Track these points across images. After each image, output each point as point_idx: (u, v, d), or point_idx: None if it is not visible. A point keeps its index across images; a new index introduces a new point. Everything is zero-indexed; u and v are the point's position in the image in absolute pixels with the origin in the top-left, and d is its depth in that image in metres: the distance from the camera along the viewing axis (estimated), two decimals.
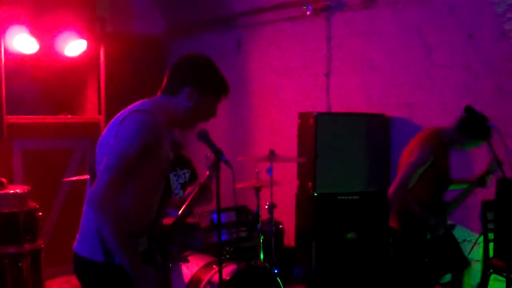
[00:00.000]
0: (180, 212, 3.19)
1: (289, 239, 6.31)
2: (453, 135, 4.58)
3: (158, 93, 2.93)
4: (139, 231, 2.78)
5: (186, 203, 3.17)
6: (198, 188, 3.19)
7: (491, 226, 5.01)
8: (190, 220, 5.09)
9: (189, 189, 4.53)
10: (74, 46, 6.65)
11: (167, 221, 3.26)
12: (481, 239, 5.09)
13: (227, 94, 3.04)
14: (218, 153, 3.01)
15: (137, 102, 2.84)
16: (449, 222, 4.71)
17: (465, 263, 4.74)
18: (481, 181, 4.69)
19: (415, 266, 4.56)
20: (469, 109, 4.51)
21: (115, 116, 2.80)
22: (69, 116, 6.97)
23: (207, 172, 3.22)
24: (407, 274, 4.63)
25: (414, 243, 4.56)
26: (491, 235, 4.99)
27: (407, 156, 4.58)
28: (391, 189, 4.45)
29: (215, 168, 3.01)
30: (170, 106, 2.87)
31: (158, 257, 2.89)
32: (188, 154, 5.42)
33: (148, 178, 2.76)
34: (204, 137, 3.05)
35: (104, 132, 2.80)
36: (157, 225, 2.92)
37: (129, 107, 2.81)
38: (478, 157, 5.25)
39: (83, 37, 6.67)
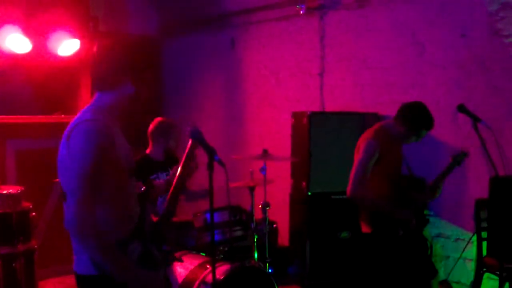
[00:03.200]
0: (171, 189, 3.12)
1: (283, 239, 6.31)
2: (394, 127, 4.56)
3: (96, 92, 2.88)
4: (129, 236, 2.76)
5: (175, 180, 3.11)
6: (184, 159, 3.12)
7: (484, 224, 5.02)
8: (183, 218, 5.09)
9: (173, 169, 4.44)
10: (67, 46, 6.63)
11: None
12: (475, 238, 5.10)
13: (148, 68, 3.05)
14: (211, 152, 3.00)
15: (79, 113, 2.79)
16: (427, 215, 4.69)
17: (433, 272, 4.72)
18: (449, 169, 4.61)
19: (389, 268, 4.52)
20: (462, 108, 4.52)
21: (64, 133, 2.74)
22: (62, 115, 6.95)
23: (190, 141, 3.15)
24: (382, 277, 4.59)
25: (387, 243, 4.52)
26: (484, 234, 5.00)
27: (356, 153, 4.56)
28: (348, 189, 4.42)
29: (209, 167, 3.00)
30: (110, 103, 2.83)
31: (156, 254, 2.85)
32: (180, 155, 5.42)
33: (114, 181, 2.72)
34: (197, 136, 3.04)
35: (59, 150, 2.74)
36: (145, 223, 2.88)
37: (72, 120, 2.76)
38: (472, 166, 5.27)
39: (76, 37, 6.65)
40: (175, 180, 3.06)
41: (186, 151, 3.10)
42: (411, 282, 4.56)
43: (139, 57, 2.89)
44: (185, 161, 3.08)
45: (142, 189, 2.98)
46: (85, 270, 2.72)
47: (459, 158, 4.50)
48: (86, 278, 2.73)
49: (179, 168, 3.08)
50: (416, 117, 4.49)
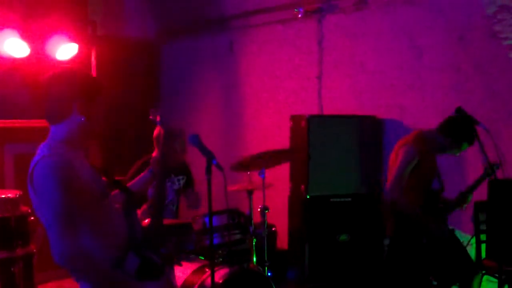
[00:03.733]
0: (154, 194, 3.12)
1: (282, 242, 6.31)
2: (437, 136, 4.61)
3: (50, 127, 2.87)
4: (121, 252, 2.77)
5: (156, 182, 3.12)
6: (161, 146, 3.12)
7: (483, 227, 5.02)
8: (182, 221, 5.08)
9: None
10: (65, 50, 6.62)
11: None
12: (474, 240, 5.10)
13: (102, 92, 2.94)
14: (209, 157, 3.01)
15: (38, 149, 2.80)
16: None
17: (474, 269, 4.72)
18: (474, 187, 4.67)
19: (410, 273, 4.54)
20: (460, 111, 4.52)
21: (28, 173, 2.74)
22: None
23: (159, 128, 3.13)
24: (403, 282, 4.61)
25: (408, 248, 4.54)
26: (483, 236, 5.00)
27: (394, 158, 4.61)
28: (387, 192, 4.47)
29: (207, 171, 3.00)
30: (65, 134, 2.81)
31: (155, 260, 2.84)
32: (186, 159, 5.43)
33: (88, 209, 2.72)
34: (196, 141, 3.05)
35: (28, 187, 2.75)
36: (135, 232, 2.89)
37: (32, 159, 2.76)
38: (469, 164, 5.27)
39: (74, 41, 6.64)
40: (157, 179, 3.07)
41: (161, 138, 3.09)
42: (450, 283, 4.62)
43: (83, 83, 2.85)
44: (162, 147, 3.07)
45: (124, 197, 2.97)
46: None
47: (489, 171, 4.51)
48: None
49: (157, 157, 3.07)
50: (464, 130, 4.56)
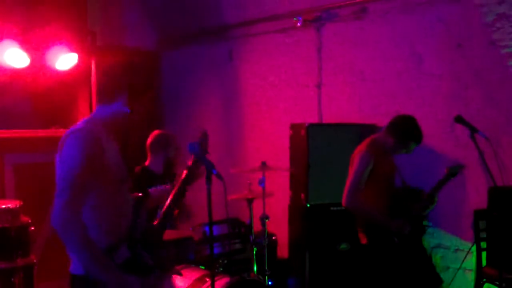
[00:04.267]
0: (171, 195, 3.15)
1: (282, 251, 6.30)
2: (386, 139, 4.67)
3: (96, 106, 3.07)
4: (117, 241, 2.83)
5: (176, 187, 3.15)
6: (186, 172, 3.17)
7: (483, 235, 5.02)
8: (183, 233, 5.08)
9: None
10: (65, 60, 6.64)
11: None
12: (474, 248, 5.10)
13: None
14: (209, 166, 3.02)
15: (76, 124, 2.97)
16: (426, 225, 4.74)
17: (438, 281, 4.73)
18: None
19: (390, 278, 4.56)
20: (459, 119, 4.53)
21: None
22: (60, 129, 6.94)
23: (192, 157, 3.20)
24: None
25: (384, 252, 4.57)
26: (483, 244, 5.00)
27: (350, 166, 4.71)
28: (343, 199, 4.56)
29: (207, 181, 3.01)
30: (107, 116, 3.00)
31: (146, 260, 2.91)
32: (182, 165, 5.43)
33: (105, 188, 2.84)
34: (196, 150, 3.06)
35: (55, 158, 2.88)
36: (137, 230, 2.94)
37: (67, 130, 2.92)
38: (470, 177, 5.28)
39: (74, 51, 6.66)
40: (176, 186, 3.12)
41: (191, 161, 3.15)
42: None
43: (137, 81, 3.07)
44: (189, 169, 3.13)
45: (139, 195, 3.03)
46: (74, 269, 2.81)
47: (454, 170, 4.58)
48: (74, 277, 2.83)
49: (181, 178, 3.12)
50: (405, 129, 4.65)
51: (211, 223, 3.06)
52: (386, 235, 4.53)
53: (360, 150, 4.69)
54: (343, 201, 4.57)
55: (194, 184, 3.26)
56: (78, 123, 2.95)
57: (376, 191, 4.61)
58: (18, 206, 5.34)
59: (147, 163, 5.33)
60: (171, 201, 3.08)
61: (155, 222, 3.06)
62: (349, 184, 4.57)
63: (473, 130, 4.49)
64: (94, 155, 2.77)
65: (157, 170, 5.27)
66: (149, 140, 5.37)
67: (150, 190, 3.46)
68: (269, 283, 5.04)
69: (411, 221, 4.58)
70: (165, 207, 3.09)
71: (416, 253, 4.70)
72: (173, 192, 3.11)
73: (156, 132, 5.40)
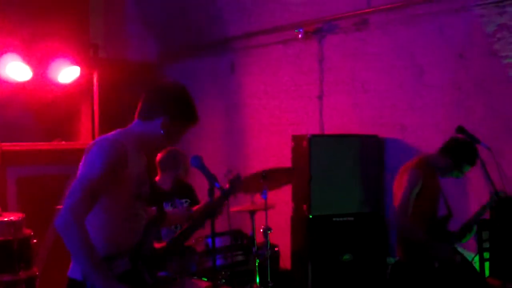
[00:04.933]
0: (180, 231, 3.19)
1: (285, 262, 6.29)
2: (438, 159, 4.63)
3: (135, 118, 3.07)
4: (118, 252, 2.83)
5: (189, 224, 3.18)
6: (204, 209, 3.20)
7: (486, 245, 5.01)
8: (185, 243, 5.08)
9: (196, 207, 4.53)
10: (67, 73, 6.67)
11: (158, 245, 3.25)
12: (477, 258, 5.09)
13: (195, 123, 3.19)
14: (212, 179, 3.03)
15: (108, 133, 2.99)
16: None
17: None
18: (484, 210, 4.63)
19: None
20: (461, 129, 4.54)
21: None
22: (63, 142, 6.97)
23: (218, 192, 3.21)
24: None
25: (419, 273, 4.53)
26: (486, 254, 4.99)
27: (398, 183, 4.62)
28: (395, 218, 4.51)
29: (209, 194, 3.02)
30: (142, 132, 3.01)
31: (146, 277, 2.92)
32: (192, 182, 5.44)
33: (118, 199, 2.85)
34: (198, 163, 3.07)
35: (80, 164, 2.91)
36: (144, 247, 2.95)
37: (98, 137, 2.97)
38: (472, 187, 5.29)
39: (76, 64, 6.69)
40: (196, 216, 3.15)
41: (216, 197, 3.16)
42: None
43: (180, 104, 3.09)
44: (212, 205, 3.14)
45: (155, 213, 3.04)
46: (72, 273, 2.83)
47: (491, 202, 4.54)
48: (71, 281, 2.84)
49: (202, 211, 3.16)
50: (464, 152, 4.59)
51: (213, 235, 3.06)
52: (427, 256, 4.49)
53: (409, 167, 4.61)
54: (396, 222, 4.52)
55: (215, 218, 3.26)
56: (111, 133, 2.98)
57: (418, 212, 4.54)
58: (20, 218, 5.34)
59: (157, 178, 5.34)
60: (186, 231, 3.12)
61: (164, 245, 3.08)
62: (400, 203, 4.48)
63: (475, 141, 4.50)
64: (115, 166, 2.78)
65: (165, 187, 5.28)
66: (159, 157, 5.36)
67: (168, 210, 3.47)
68: None
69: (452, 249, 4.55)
70: (176, 234, 3.12)
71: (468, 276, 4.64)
72: (190, 223, 3.14)
73: (167, 149, 5.37)
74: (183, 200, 5.23)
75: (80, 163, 2.87)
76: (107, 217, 2.83)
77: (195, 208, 3.82)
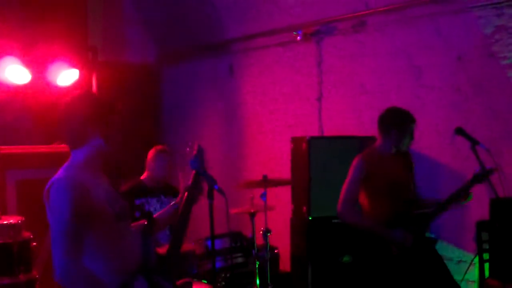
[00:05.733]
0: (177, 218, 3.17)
1: (285, 264, 6.29)
2: (385, 140, 4.62)
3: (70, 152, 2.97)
4: (129, 277, 2.81)
5: (181, 208, 3.16)
6: (186, 194, 3.17)
7: (486, 246, 5.01)
8: (184, 246, 5.08)
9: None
10: (66, 76, 6.66)
11: (161, 250, 3.25)
12: (476, 259, 5.09)
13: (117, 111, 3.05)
14: (211, 182, 3.03)
15: (58, 171, 2.90)
16: (431, 236, 4.67)
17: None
18: (465, 190, 4.49)
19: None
20: (460, 131, 4.54)
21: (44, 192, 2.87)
22: (62, 145, 6.95)
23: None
24: None
25: (382, 263, 4.52)
26: (486, 256, 4.98)
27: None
28: (337, 208, 4.53)
29: (209, 196, 3.02)
30: (82, 158, 2.90)
31: (167, 286, 2.93)
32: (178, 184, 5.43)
33: (101, 230, 2.80)
34: (197, 165, 3.07)
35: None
36: (150, 259, 2.93)
37: (50, 179, 2.86)
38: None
39: (75, 67, 6.68)
40: (180, 208, 3.11)
41: (191, 180, 3.14)
42: None
43: (97, 106, 2.93)
44: (189, 190, 3.12)
45: (145, 223, 3.02)
46: None
47: (480, 174, 4.40)
48: None
49: (183, 197, 3.12)
50: (397, 116, 4.60)
51: (213, 237, 3.07)
52: (383, 245, 4.46)
53: (355, 159, 4.65)
54: (337, 212, 4.54)
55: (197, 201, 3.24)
56: (59, 171, 2.89)
57: (379, 199, 4.54)
58: (20, 221, 5.34)
59: (143, 177, 5.36)
60: (179, 224, 3.09)
61: (167, 248, 3.07)
62: (342, 193, 4.54)
63: (473, 142, 4.49)
64: (80, 201, 2.72)
65: (150, 184, 5.30)
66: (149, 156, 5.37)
67: (156, 215, 3.46)
68: None
69: (417, 232, 4.48)
70: (173, 233, 3.11)
71: (427, 264, 4.58)
72: (179, 216, 3.11)
73: (155, 148, 5.39)
74: (170, 198, 5.21)
75: (47, 210, 2.82)
76: (101, 250, 2.79)
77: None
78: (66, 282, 2.62)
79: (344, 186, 4.57)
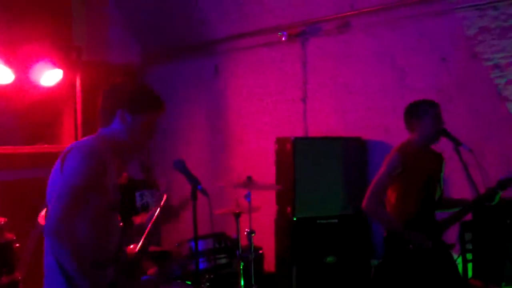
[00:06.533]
0: (142, 238, 3.19)
1: (270, 265, 6.29)
2: (416, 133, 4.56)
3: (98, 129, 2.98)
4: (105, 261, 2.82)
5: (148, 227, 3.18)
6: (160, 209, 3.20)
7: (469, 246, 5.03)
8: (164, 248, 5.09)
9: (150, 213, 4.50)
10: (50, 76, 6.62)
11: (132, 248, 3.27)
12: (460, 259, 5.11)
13: (161, 109, 3.10)
14: (194, 182, 3.02)
15: (80, 140, 2.94)
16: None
17: None
18: (490, 196, 4.37)
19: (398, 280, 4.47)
20: (443, 131, 4.56)
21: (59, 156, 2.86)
22: (45, 145, 6.92)
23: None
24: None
25: (397, 259, 4.47)
26: (469, 256, 5.01)
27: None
28: (364, 201, 4.45)
29: (192, 196, 3.02)
30: (108, 136, 2.92)
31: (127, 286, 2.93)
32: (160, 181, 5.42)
33: (97, 208, 2.80)
34: (180, 166, 3.07)
35: (52, 171, 2.86)
36: (121, 256, 2.95)
37: (71, 144, 2.89)
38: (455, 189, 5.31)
39: (59, 67, 6.64)
40: (149, 227, 3.15)
41: (159, 208, 3.17)
42: None
43: (131, 93, 2.96)
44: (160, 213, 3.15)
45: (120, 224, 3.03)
46: None
47: (504, 183, 4.34)
48: None
49: (154, 217, 3.16)
50: (415, 105, 4.56)
51: (196, 238, 3.07)
52: (402, 241, 4.39)
53: (391, 151, 4.55)
54: (363, 204, 4.44)
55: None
56: (84, 139, 2.92)
57: (411, 195, 4.46)
58: (2, 223, 5.30)
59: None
60: (145, 239, 3.11)
61: (134, 247, 3.09)
62: (371, 186, 4.44)
63: (456, 143, 4.51)
64: (97, 173, 2.74)
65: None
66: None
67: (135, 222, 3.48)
68: None
69: (435, 235, 4.43)
70: (140, 245, 3.13)
71: (443, 270, 4.51)
72: (147, 231, 3.14)
73: None
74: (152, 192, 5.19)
75: (53, 172, 2.82)
76: (89, 227, 2.78)
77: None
78: (55, 235, 2.62)
79: (376, 178, 4.46)
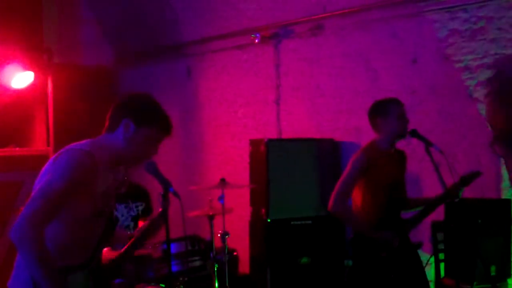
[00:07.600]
0: (126, 246, 3.18)
1: (244, 267, 6.29)
2: (381, 133, 4.56)
3: (102, 133, 2.94)
4: (73, 266, 2.78)
5: (135, 237, 3.18)
6: (149, 223, 3.20)
7: (441, 246, 5.08)
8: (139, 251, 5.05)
9: (140, 224, 4.50)
10: (21, 78, 6.55)
11: (112, 254, 3.25)
12: (432, 259, 5.16)
13: (167, 131, 3.00)
14: (166, 184, 3.01)
15: (78, 142, 2.86)
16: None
17: None
18: (453, 192, 4.43)
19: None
20: (414, 133, 4.59)
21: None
22: (16, 148, 6.84)
23: (159, 209, 3.20)
24: None
25: (369, 265, 4.51)
26: (441, 255, 5.06)
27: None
28: (330, 202, 4.45)
29: (163, 199, 3.01)
30: (110, 142, 2.87)
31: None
32: (147, 187, 5.39)
33: (78, 213, 2.74)
34: (152, 168, 3.05)
35: (42, 169, 2.80)
36: (94, 262, 2.90)
37: (68, 145, 2.83)
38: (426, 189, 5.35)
39: (30, 69, 6.58)
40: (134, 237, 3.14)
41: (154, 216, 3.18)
42: None
43: (139, 105, 2.94)
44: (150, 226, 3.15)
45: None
46: (13, 285, 2.75)
47: (467, 178, 4.40)
48: None
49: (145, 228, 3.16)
50: (376, 104, 4.58)
51: (168, 241, 3.05)
52: (372, 247, 4.42)
53: (355, 153, 4.56)
54: (328, 206, 4.45)
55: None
56: (82, 142, 2.84)
57: (375, 195, 4.47)
58: None
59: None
60: (134, 242, 3.11)
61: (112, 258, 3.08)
62: (336, 188, 4.44)
63: (428, 144, 4.55)
64: (81, 180, 2.67)
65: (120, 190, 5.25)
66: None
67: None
68: None
69: (402, 234, 4.45)
70: (118, 255, 3.12)
71: (409, 269, 4.56)
72: (133, 238, 3.14)
73: None
74: (139, 203, 5.17)
75: (43, 169, 2.76)
76: (63, 230, 2.73)
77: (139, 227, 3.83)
78: (19, 239, 2.56)
79: (341, 179, 4.48)
